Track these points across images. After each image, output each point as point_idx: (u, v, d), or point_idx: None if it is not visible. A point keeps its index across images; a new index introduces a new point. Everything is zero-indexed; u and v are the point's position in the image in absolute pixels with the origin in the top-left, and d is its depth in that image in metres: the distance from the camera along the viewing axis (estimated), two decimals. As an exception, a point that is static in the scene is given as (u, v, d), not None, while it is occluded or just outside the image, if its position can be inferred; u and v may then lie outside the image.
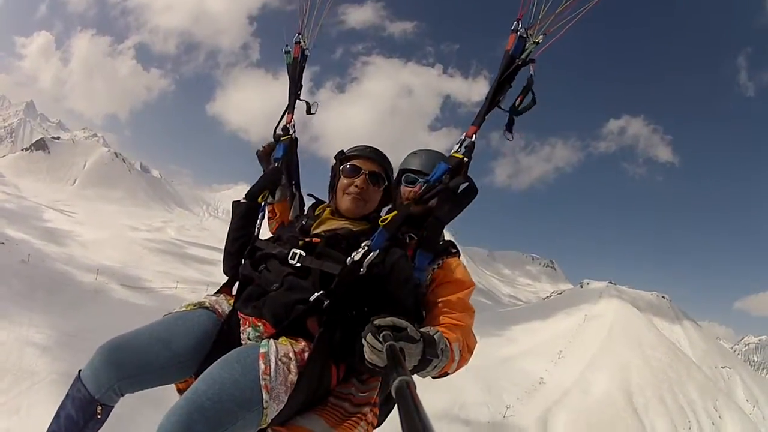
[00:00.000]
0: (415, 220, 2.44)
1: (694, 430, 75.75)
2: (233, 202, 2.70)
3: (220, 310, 2.29)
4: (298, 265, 2.17)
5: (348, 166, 2.44)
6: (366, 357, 1.67)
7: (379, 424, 2.22)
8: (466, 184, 2.39)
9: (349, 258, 2.09)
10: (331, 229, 2.34)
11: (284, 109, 3.07)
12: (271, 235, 2.62)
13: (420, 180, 2.60)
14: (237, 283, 2.44)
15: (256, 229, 2.62)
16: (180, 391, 2.20)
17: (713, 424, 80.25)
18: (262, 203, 2.70)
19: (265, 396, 1.77)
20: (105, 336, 2.12)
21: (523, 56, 2.48)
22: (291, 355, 1.93)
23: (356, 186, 2.39)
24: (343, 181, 2.44)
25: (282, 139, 2.93)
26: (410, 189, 2.64)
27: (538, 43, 2.47)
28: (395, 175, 2.72)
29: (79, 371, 2.05)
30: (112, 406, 2.04)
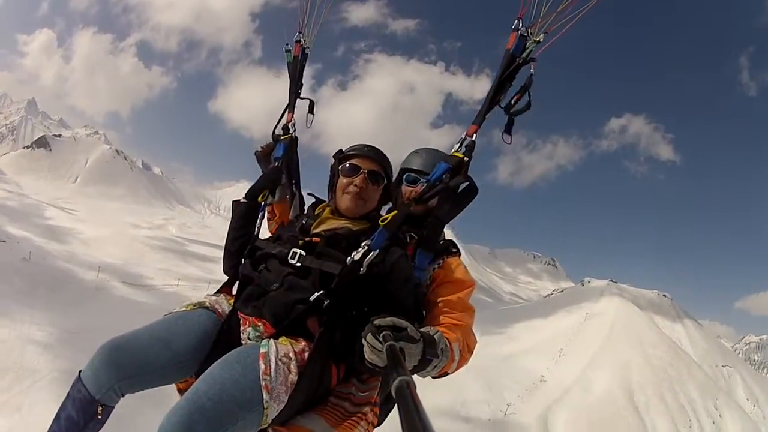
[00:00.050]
0: (415, 220, 2.45)
1: (694, 428, 75.78)
2: (233, 201, 2.70)
3: (220, 310, 2.28)
4: (298, 264, 2.17)
5: (347, 165, 2.43)
6: (366, 357, 1.67)
7: (379, 424, 2.22)
8: (467, 183, 2.38)
9: (349, 258, 2.08)
10: (331, 229, 2.34)
11: (284, 108, 3.07)
12: (271, 235, 2.62)
13: (421, 179, 2.59)
14: (237, 283, 2.43)
15: (256, 229, 2.62)
16: (180, 391, 2.19)
17: (713, 422, 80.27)
18: (263, 203, 2.70)
19: (265, 396, 1.77)
20: (106, 334, 2.12)
21: (524, 55, 2.47)
22: (291, 355, 1.93)
23: (355, 185, 2.38)
24: (343, 180, 2.43)
25: (282, 138, 2.93)
26: (411, 188, 2.63)
27: (539, 42, 2.45)
28: (396, 173, 2.72)
29: (80, 372, 2.04)
30: (113, 407, 2.04)
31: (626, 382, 77.39)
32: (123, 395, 2.03)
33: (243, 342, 2.11)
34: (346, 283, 2.05)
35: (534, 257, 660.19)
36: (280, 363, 1.86)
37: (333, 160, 2.55)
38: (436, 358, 1.77)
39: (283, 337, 2.02)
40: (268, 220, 2.90)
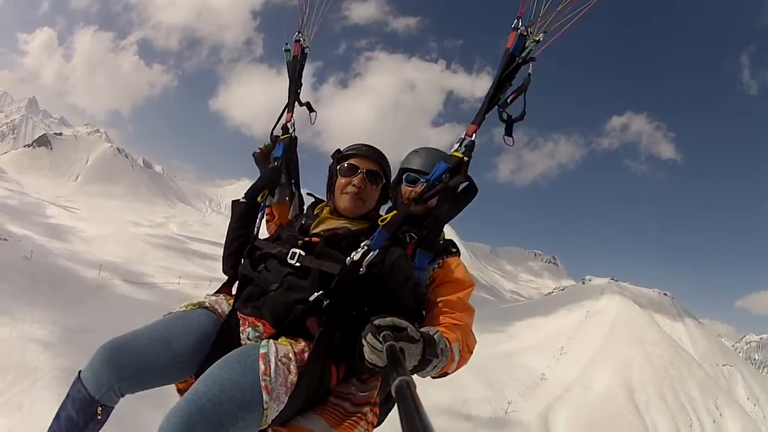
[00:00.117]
0: (415, 220, 2.45)
1: (694, 427, 75.73)
2: (233, 201, 2.69)
3: (219, 310, 2.28)
4: (298, 264, 2.16)
5: (345, 165, 2.43)
6: (366, 357, 1.66)
7: (378, 424, 2.22)
8: (466, 183, 2.37)
9: (348, 258, 2.08)
10: (331, 229, 2.33)
11: (283, 108, 3.07)
12: (270, 235, 2.62)
13: (421, 179, 2.59)
14: (236, 283, 2.43)
15: (256, 229, 2.62)
16: (180, 392, 2.20)
17: (714, 421, 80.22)
18: (262, 203, 2.70)
19: (265, 397, 1.77)
20: (108, 332, 2.12)
21: (524, 54, 2.46)
22: (291, 355, 1.93)
23: (354, 185, 2.38)
24: (341, 180, 2.42)
25: (281, 137, 2.93)
26: (411, 188, 2.63)
27: (538, 41, 2.45)
28: (395, 173, 2.72)
29: (79, 372, 2.05)
30: (113, 407, 2.04)
31: (627, 381, 77.35)
32: (123, 395, 2.03)
33: (243, 342, 2.10)
34: (346, 283, 2.05)
35: (535, 255, 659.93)
36: (279, 363, 1.86)
37: (331, 160, 2.54)
38: (436, 358, 1.77)
39: (283, 338, 2.02)
40: (267, 221, 2.91)
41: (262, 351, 1.87)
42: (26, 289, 29.13)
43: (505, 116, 2.50)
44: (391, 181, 2.63)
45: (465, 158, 2.41)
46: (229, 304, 2.32)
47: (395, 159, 2.78)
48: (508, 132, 2.53)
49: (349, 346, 1.98)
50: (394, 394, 0.92)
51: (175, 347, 2.06)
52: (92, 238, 70.74)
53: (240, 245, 2.52)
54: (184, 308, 2.26)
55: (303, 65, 3.20)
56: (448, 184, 2.35)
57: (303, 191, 2.95)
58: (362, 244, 2.10)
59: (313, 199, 2.71)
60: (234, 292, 2.42)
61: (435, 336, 1.82)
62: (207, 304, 2.29)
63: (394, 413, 0.94)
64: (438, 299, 2.25)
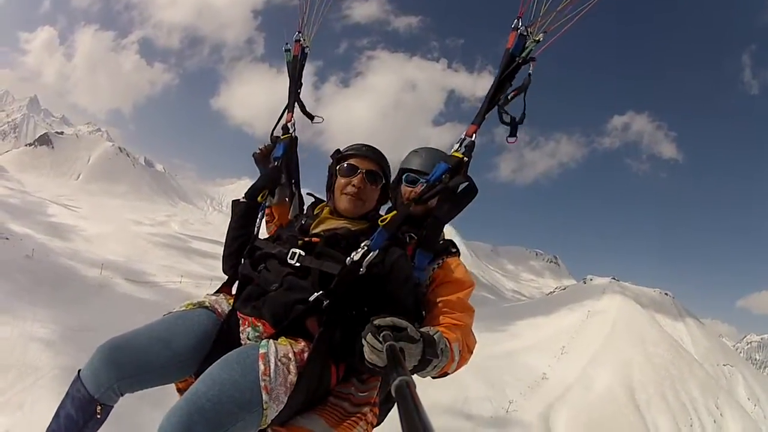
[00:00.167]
0: (415, 220, 2.45)
1: (695, 427, 75.59)
2: (233, 201, 2.70)
3: (219, 310, 2.28)
4: (298, 264, 2.16)
5: (345, 166, 2.43)
6: (366, 357, 1.66)
7: (378, 424, 2.22)
8: (466, 183, 2.37)
9: (348, 258, 2.08)
10: (331, 229, 2.33)
11: (284, 108, 3.07)
12: (270, 235, 2.62)
13: (421, 180, 2.59)
14: (236, 283, 2.43)
15: (256, 228, 2.62)
16: (180, 391, 2.20)
17: (714, 421, 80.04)
18: (262, 203, 2.70)
19: (264, 397, 1.77)
20: (110, 331, 2.12)
21: (524, 54, 2.45)
22: (290, 355, 1.93)
23: (354, 185, 2.38)
24: (341, 180, 2.42)
25: (282, 137, 2.93)
26: (411, 189, 2.63)
27: (538, 41, 2.44)
28: (395, 173, 2.72)
29: (79, 371, 2.05)
30: (112, 406, 2.05)
31: (627, 380, 77.17)
32: (122, 395, 2.04)
33: (242, 342, 2.10)
34: (346, 284, 2.05)
35: (536, 255, 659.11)
36: (279, 363, 1.86)
37: (331, 160, 2.54)
38: (436, 358, 1.77)
39: (283, 338, 2.02)
40: (267, 222, 2.91)
41: (261, 351, 1.88)
42: (28, 288, 29.13)
43: (508, 119, 2.49)
44: (391, 181, 2.63)
45: (465, 158, 2.40)
46: (229, 304, 2.32)
47: (396, 158, 2.78)
48: (513, 133, 2.53)
49: (349, 346, 1.98)
50: (394, 394, 0.92)
51: (175, 346, 2.06)
52: (94, 237, 70.70)
53: (240, 245, 2.52)
54: (184, 308, 2.26)
55: (303, 65, 3.20)
56: (448, 185, 2.34)
57: (303, 191, 2.96)
58: (362, 245, 2.10)
59: (313, 199, 2.71)
60: (234, 291, 2.42)
61: (435, 336, 1.82)
62: (207, 304, 2.29)
63: (394, 413, 0.95)
64: (438, 299, 2.25)
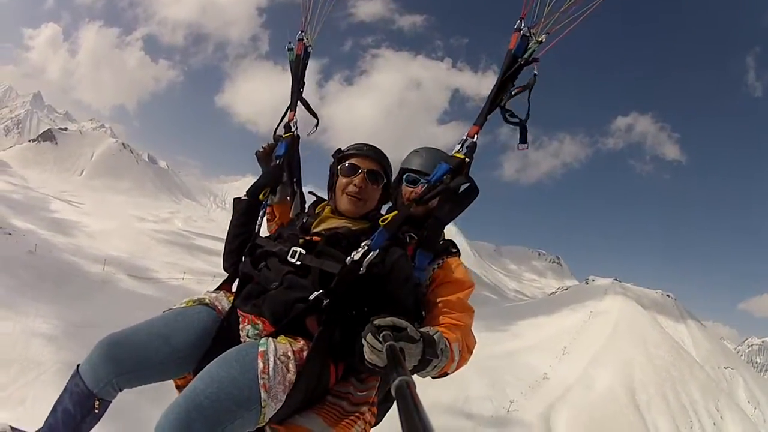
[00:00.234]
0: (415, 220, 2.45)
1: (695, 429, 75.53)
2: (234, 198, 2.70)
3: (219, 307, 2.28)
4: (298, 263, 2.16)
5: (346, 165, 2.43)
6: (366, 357, 1.66)
7: (376, 423, 2.22)
8: (468, 184, 2.37)
9: (349, 257, 2.08)
10: (332, 228, 2.33)
11: (287, 107, 3.07)
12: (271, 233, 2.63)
13: (422, 180, 2.58)
14: (237, 281, 2.44)
15: (257, 227, 2.63)
16: (179, 388, 2.20)
17: (714, 424, 79.98)
18: (264, 201, 2.71)
19: (263, 395, 1.77)
20: (112, 327, 2.13)
21: (526, 56, 2.44)
22: (290, 354, 1.93)
23: (355, 185, 2.38)
24: (342, 180, 2.42)
25: (284, 136, 2.94)
26: (411, 189, 2.63)
27: (541, 42, 2.43)
28: (396, 172, 2.71)
29: (78, 366, 2.05)
30: (110, 401, 2.05)
31: (628, 381, 77.08)
32: (121, 390, 2.05)
33: (242, 340, 2.10)
34: (346, 283, 2.05)
35: (539, 255, 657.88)
36: (278, 362, 1.86)
37: (332, 160, 2.54)
38: (436, 358, 1.77)
39: (282, 336, 2.02)
40: (268, 221, 2.92)
41: (260, 349, 1.88)
42: (30, 284, 29.18)
43: (515, 119, 2.47)
44: (392, 180, 2.63)
45: (466, 159, 2.40)
46: (230, 302, 2.32)
47: (401, 157, 2.79)
48: (523, 139, 2.52)
49: (349, 345, 1.99)
50: (394, 394, 0.92)
51: (174, 343, 2.07)
52: (97, 233, 70.94)
53: (241, 243, 2.53)
54: (184, 304, 2.26)
55: (306, 64, 3.20)
56: (450, 185, 2.34)
57: (305, 190, 2.96)
58: (362, 244, 2.11)
59: (315, 198, 2.72)
60: (234, 289, 2.43)
61: (435, 336, 1.82)
62: (207, 301, 2.29)
63: (393, 413, 0.95)
64: (438, 299, 2.25)
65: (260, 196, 2.68)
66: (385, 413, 2.36)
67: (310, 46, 3.22)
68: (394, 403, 0.88)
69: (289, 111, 3.05)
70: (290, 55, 3.18)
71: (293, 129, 2.99)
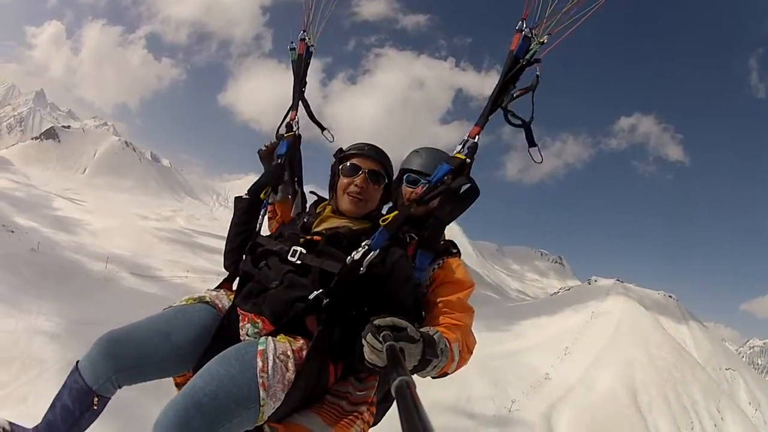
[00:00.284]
0: (416, 220, 2.45)
1: (696, 430, 75.30)
2: (235, 197, 2.72)
3: (220, 305, 2.29)
4: (299, 262, 2.17)
5: (347, 165, 2.43)
6: (366, 357, 1.67)
7: (375, 423, 2.22)
8: (469, 185, 2.37)
9: (349, 257, 2.08)
10: (332, 227, 2.34)
11: (289, 106, 3.08)
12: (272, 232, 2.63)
13: (422, 180, 2.58)
14: (237, 279, 2.44)
15: (258, 225, 2.64)
16: (178, 386, 2.21)
17: (715, 425, 79.73)
18: (265, 200, 2.71)
19: (262, 393, 1.77)
20: (114, 325, 2.13)
21: (528, 57, 2.42)
22: (289, 353, 1.93)
23: (356, 185, 2.38)
24: (343, 180, 2.42)
25: (286, 135, 2.95)
26: (412, 190, 2.63)
27: (543, 43, 2.41)
28: (397, 172, 2.71)
29: (77, 362, 2.07)
30: (109, 398, 2.06)
31: (630, 382, 76.91)
32: (120, 387, 2.05)
33: (242, 338, 2.11)
34: (346, 283, 2.05)
35: (541, 255, 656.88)
36: (277, 361, 1.86)
37: (334, 159, 2.55)
38: (436, 358, 1.77)
39: (282, 335, 2.02)
40: (269, 219, 2.92)
41: (260, 348, 1.88)
42: (33, 281, 29.16)
43: (518, 121, 2.46)
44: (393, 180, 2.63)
45: (467, 160, 2.40)
46: (230, 300, 2.32)
47: (402, 157, 2.80)
48: (531, 142, 2.50)
49: (348, 345, 1.99)
50: (394, 394, 0.92)
51: (174, 340, 2.07)
52: (99, 231, 70.93)
53: (242, 241, 2.54)
54: (184, 302, 2.27)
55: (308, 64, 3.20)
56: (451, 186, 2.34)
57: (306, 189, 2.97)
58: (363, 244, 2.10)
59: (316, 197, 2.72)
60: (235, 287, 2.43)
61: (435, 336, 1.82)
62: (207, 299, 2.30)
63: (392, 412, 0.95)
64: (438, 300, 2.25)
65: (261, 195, 2.69)
66: (384, 413, 2.37)
67: (312, 45, 3.22)
68: (394, 403, 0.88)
69: (290, 111, 3.05)
70: (292, 55, 3.18)
71: (295, 128, 3.00)
